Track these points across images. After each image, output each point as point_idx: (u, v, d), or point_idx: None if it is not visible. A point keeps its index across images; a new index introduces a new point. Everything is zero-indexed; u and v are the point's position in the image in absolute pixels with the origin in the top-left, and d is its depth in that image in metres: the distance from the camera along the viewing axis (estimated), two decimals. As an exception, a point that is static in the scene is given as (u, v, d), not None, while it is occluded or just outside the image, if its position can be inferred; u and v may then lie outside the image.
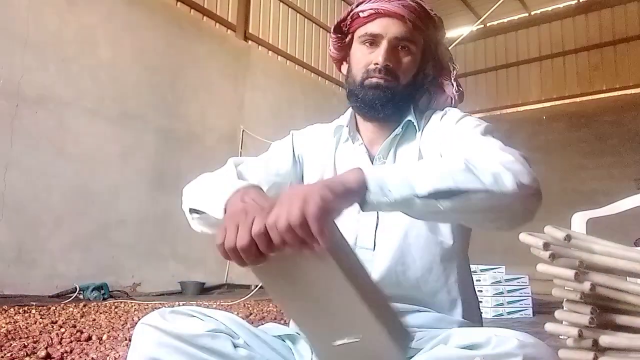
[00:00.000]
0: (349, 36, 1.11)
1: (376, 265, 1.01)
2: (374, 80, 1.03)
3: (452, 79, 1.13)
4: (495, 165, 0.76)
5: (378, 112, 1.05)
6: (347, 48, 1.12)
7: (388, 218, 1.03)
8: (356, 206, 1.04)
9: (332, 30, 1.15)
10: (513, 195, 0.75)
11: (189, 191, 1.03)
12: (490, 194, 0.74)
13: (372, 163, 1.08)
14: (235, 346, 0.89)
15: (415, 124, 1.07)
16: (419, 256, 1.00)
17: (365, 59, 1.05)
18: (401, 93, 1.04)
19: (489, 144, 0.88)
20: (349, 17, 1.09)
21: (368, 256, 1.02)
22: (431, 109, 1.14)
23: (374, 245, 1.03)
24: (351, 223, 1.05)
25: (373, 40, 1.04)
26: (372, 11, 1.03)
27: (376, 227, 1.03)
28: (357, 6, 1.07)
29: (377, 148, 1.09)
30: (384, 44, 1.02)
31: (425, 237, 1.01)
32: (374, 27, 1.04)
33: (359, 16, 1.06)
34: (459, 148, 0.92)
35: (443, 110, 1.11)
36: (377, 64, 1.02)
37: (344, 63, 1.14)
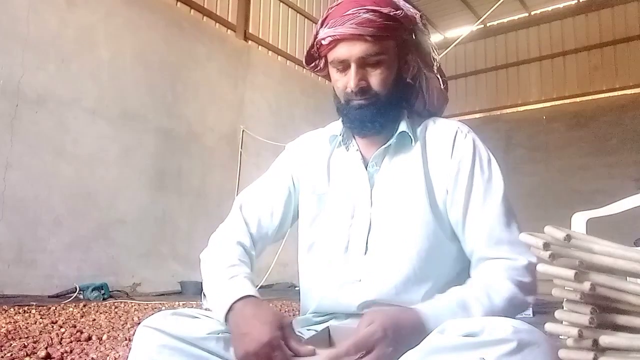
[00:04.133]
0: (322, 59, 1.11)
1: (367, 270, 1.01)
2: (355, 102, 1.04)
3: (436, 70, 1.11)
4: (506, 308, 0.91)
5: (369, 128, 1.05)
6: (325, 69, 1.12)
7: (381, 224, 1.03)
8: (349, 210, 1.05)
9: (304, 61, 1.15)
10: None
11: (204, 267, 1.06)
12: None
13: (367, 168, 1.08)
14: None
15: (410, 134, 1.06)
16: (412, 262, 0.99)
17: (341, 83, 1.05)
18: (386, 104, 1.04)
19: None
20: (315, 45, 1.09)
21: (359, 260, 1.02)
22: (428, 111, 1.13)
23: (366, 250, 1.03)
24: (344, 228, 1.06)
25: (342, 65, 1.03)
26: (331, 38, 1.02)
27: (368, 233, 1.03)
28: (318, 30, 1.06)
29: (371, 154, 1.08)
30: (352, 67, 1.01)
31: (419, 243, 1.00)
32: (337, 53, 1.03)
33: (322, 44, 1.05)
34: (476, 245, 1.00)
35: (446, 122, 1.09)
36: (351, 88, 1.02)
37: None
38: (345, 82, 1.04)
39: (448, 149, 1.04)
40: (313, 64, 1.14)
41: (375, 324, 0.80)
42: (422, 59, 1.10)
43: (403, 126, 1.06)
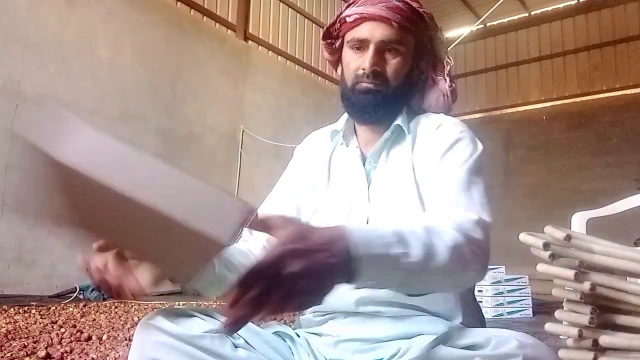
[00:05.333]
0: (339, 40, 1.11)
1: None
2: (364, 85, 1.03)
3: (446, 73, 1.11)
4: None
5: (370, 115, 1.05)
6: (338, 52, 1.12)
7: (379, 219, 1.02)
8: (346, 208, 1.05)
9: (321, 36, 1.15)
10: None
11: None
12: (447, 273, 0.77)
13: (364, 165, 1.08)
14: (235, 346, 0.89)
15: (404, 127, 1.06)
16: None
17: (354, 64, 1.05)
18: (392, 96, 1.04)
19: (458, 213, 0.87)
20: (337, 22, 1.09)
21: None
22: (423, 110, 1.13)
23: None
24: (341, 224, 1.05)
25: (360, 45, 1.04)
26: (358, 16, 1.03)
27: None
28: (344, 10, 1.07)
29: (371, 150, 1.09)
30: (370, 49, 1.02)
31: None
32: (360, 31, 1.03)
33: (346, 21, 1.05)
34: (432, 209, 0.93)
35: (437, 115, 1.09)
36: (364, 69, 1.02)
37: (339, 65, 1.14)
38: (359, 63, 1.04)
39: (430, 138, 1.04)
40: (329, 41, 1.13)
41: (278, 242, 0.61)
42: (435, 68, 1.12)
43: (399, 120, 1.06)
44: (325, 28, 1.13)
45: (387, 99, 1.03)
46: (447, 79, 1.11)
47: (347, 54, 1.07)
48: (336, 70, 1.16)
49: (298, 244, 0.60)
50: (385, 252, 0.68)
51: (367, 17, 1.02)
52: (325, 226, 0.67)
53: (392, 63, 1.03)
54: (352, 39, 1.05)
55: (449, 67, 1.12)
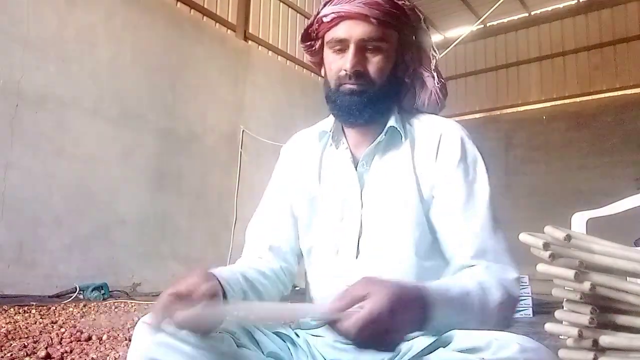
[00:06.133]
0: (319, 41, 1.07)
1: (358, 273, 0.99)
2: (347, 86, 1.00)
3: (432, 69, 1.08)
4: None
5: (356, 117, 1.01)
6: (319, 53, 1.09)
7: (372, 226, 1.01)
8: (339, 213, 1.04)
9: (300, 38, 1.11)
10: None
11: None
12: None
13: (356, 168, 1.05)
14: (237, 345, 0.89)
15: (400, 130, 1.03)
16: (404, 265, 0.98)
17: (336, 65, 1.01)
18: (378, 95, 1.00)
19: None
20: (315, 23, 1.05)
21: (350, 264, 1.01)
22: (416, 110, 1.10)
23: (357, 253, 1.01)
24: (333, 232, 1.03)
25: (340, 45, 1.00)
26: (335, 15, 0.99)
27: (359, 236, 1.01)
28: (321, 10, 1.04)
29: (362, 152, 1.05)
30: (351, 49, 0.98)
31: (412, 245, 0.98)
32: (338, 31, 1.00)
33: (323, 21, 1.02)
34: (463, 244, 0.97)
35: (434, 119, 1.07)
36: (346, 70, 0.98)
37: (323, 66, 1.10)
38: (340, 65, 1.00)
39: (433, 151, 1.01)
40: (308, 43, 1.10)
41: (379, 299, 0.71)
42: (420, 62, 1.08)
43: (392, 121, 1.03)
44: (303, 30, 1.09)
45: (372, 99, 1.00)
46: (435, 74, 1.08)
47: (328, 55, 1.04)
48: (320, 72, 1.13)
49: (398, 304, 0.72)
50: (451, 309, 0.81)
51: (345, 16, 0.98)
52: (412, 286, 0.79)
53: (375, 61, 0.99)
54: (331, 39, 1.01)
55: (434, 60, 1.09)
